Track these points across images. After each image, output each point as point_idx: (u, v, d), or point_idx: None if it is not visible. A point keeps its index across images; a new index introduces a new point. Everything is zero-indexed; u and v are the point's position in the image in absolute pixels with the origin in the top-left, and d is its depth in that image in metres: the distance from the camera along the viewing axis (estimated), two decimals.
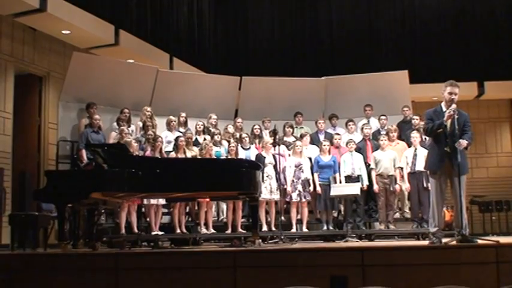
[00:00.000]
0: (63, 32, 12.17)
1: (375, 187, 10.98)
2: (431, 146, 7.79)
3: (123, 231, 9.95)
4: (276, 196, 10.65)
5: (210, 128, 11.83)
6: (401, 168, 10.95)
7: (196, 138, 11.42)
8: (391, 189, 10.92)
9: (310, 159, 11.29)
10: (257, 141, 11.67)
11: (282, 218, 10.77)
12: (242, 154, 11.02)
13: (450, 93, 7.49)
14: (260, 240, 8.86)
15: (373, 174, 11.03)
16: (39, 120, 12.50)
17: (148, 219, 10.33)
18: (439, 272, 6.33)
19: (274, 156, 10.81)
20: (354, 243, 9.84)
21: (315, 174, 11.08)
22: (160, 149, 10.48)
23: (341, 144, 11.62)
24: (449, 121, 7.38)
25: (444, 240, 7.34)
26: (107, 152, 8.46)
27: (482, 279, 6.12)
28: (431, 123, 7.52)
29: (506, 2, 17.18)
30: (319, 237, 11.30)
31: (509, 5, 17.13)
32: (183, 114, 11.86)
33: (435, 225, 7.49)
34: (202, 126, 11.77)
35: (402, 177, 10.98)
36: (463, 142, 7.23)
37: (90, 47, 13.08)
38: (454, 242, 7.12)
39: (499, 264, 6.35)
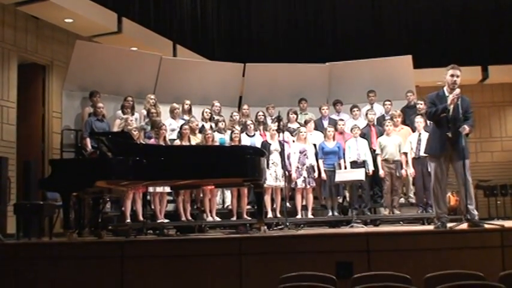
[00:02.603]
0: (66, 20, 12.13)
1: (381, 172, 10.98)
2: (433, 130, 7.75)
3: (129, 219, 9.98)
4: (282, 183, 10.65)
5: (214, 115, 11.83)
6: (406, 154, 10.94)
7: (203, 125, 11.41)
8: (397, 174, 10.91)
9: (314, 145, 11.28)
10: (261, 128, 11.67)
11: (287, 204, 10.78)
12: (247, 141, 11.00)
13: (452, 76, 7.48)
14: (265, 227, 8.88)
15: (379, 159, 11.02)
16: (43, 109, 12.50)
17: (153, 207, 10.35)
18: (444, 256, 6.34)
19: (280, 142, 10.80)
20: (359, 228, 9.84)
21: (320, 161, 11.08)
22: (164, 136, 10.47)
23: (345, 130, 11.61)
24: (452, 106, 7.36)
25: (449, 224, 7.34)
26: (111, 140, 8.48)
27: (488, 263, 6.13)
28: (434, 107, 7.50)
29: None
30: (325, 223, 11.32)
31: None
32: (188, 102, 11.83)
33: (438, 209, 7.49)
34: (209, 114, 11.76)
35: (407, 162, 10.97)
36: (467, 128, 7.21)
37: (93, 35, 13.04)
38: (459, 227, 7.13)
39: (504, 248, 6.37)
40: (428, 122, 10.84)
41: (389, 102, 12.13)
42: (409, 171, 10.93)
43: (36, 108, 12.49)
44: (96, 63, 11.58)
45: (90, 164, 8.60)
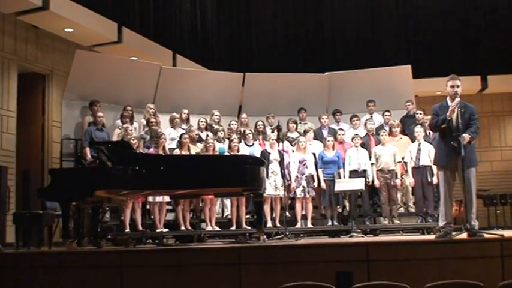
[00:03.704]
0: (66, 30, 12.15)
1: (376, 182, 10.98)
2: (439, 141, 7.76)
3: (128, 228, 9.97)
4: (281, 192, 10.64)
5: (213, 125, 11.83)
6: (406, 163, 10.96)
7: (199, 135, 11.41)
8: (392, 184, 10.92)
9: (314, 154, 11.28)
10: (260, 137, 11.68)
11: (287, 213, 10.78)
12: (246, 150, 11.00)
13: (452, 86, 7.50)
14: (265, 237, 8.87)
15: (374, 169, 11.03)
16: (42, 119, 12.49)
17: (152, 217, 10.33)
18: (443, 266, 6.32)
19: (279, 152, 10.80)
20: (359, 238, 9.83)
21: (319, 170, 11.08)
22: (164, 146, 10.48)
23: (345, 139, 11.62)
24: (454, 115, 7.36)
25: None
26: (111, 149, 8.46)
27: (487, 273, 6.12)
28: (437, 118, 7.51)
29: None
30: (324, 232, 11.31)
31: None
32: (185, 111, 11.83)
33: (444, 219, 7.48)
34: (205, 123, 11.76)
35: (406, 171, 10.98)
36: (467, 137, 7.21)
37: (93, 45, 13.06)
38: (459, 236, 7.12)
39: (503, 258, 6.35)
40: (427, 131, 10.90)
41: (388, 113, 12.14)
42: (409, 180, 10.95)
43: (36, 117, 12.48)
44: (96, 72, 11.60)
45: (90, 173, 8.58)
